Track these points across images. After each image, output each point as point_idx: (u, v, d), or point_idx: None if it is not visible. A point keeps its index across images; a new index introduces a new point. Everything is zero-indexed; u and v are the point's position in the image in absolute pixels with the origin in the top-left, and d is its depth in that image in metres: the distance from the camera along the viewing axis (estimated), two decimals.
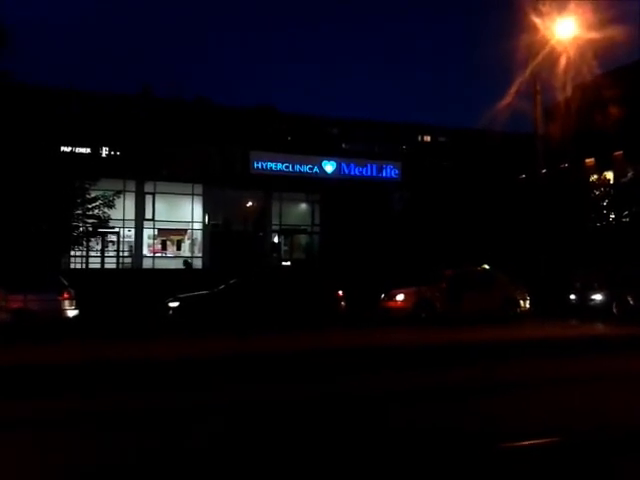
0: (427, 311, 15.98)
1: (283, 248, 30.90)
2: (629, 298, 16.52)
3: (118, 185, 23.32)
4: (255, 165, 28.33)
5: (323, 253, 28.34)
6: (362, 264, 22.00)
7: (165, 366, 9.25)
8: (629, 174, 23.95)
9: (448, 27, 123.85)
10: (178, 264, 26.86)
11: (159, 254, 27.62)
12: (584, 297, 17.22)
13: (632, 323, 14.74)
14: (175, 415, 6.39)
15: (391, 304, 16.51)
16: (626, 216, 22.31)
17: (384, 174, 30.70)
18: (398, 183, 30.10)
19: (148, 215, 27.29)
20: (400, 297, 16.39)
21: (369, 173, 30.39)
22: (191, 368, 9.20)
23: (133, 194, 26.85)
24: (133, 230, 27.04)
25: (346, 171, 29.99)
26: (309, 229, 30.95)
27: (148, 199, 27.36)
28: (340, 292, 15.66)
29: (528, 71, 20.31)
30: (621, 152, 28.61)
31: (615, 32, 19.09)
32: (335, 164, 29.85)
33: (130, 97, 28.97)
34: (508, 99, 20.79)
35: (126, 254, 26.84)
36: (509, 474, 4.59)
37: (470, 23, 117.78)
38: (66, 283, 14.73)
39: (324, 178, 29.24)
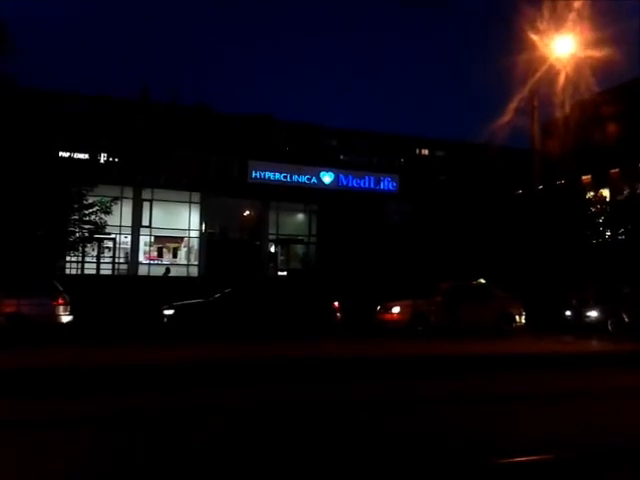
0: (422, 324, 15.97)
1: (279, 258, 30.87)
2: (624, 315, 16.55)
3: (115, 191, 23.32)
4: (253, 174, 28.40)
5: (319, 264, 28.33)
6: (358, 275, 21.99)
7: (157, 371, 9.20)
8: (625, 192, 24.12)
9: (448, 42, 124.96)
10: (174, 272, 26.79)
11: (155, 261, 27.55)
12: (579, 313, 17.25)
13: (627, 340, 14.75)
14: (168, 417, 6.34)
15: (387, 316, 16.49)
16: (622, 234, 22.42)
17: (382, 186, 30.82)
18: (395, 195, 30.22)
19: (145, 222, 27.25)
20: (396, 309, 16.37)
21: (367, 185, 30.50)
22: (183, 373, 9.16)
23: (130, 201, 26.83)
24: (129, 237, 26.99)
25: (344, 182, 30.09)
26: (306, 239, 30.96)
27: (145, 206, 27.34)
28: (336, 303, 15.64)
29: (527, 87, 20.50)
30: (617, 170, 28.84)
31: (613, 50, 19.32)
32: (333, 175, 29.95)
33: (129, 102, 29.01)
34: (506, 114, 20.97)
35: (122, 260, 26.76)
36: None
37: (470, 38, 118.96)
38: (61, 288, 14.65)
39: (322, 189, 29.32)
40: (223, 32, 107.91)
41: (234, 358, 10.53)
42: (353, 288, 18.85)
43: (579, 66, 20.07)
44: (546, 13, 19.94)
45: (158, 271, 26.32)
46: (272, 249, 30.51)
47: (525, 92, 20.63)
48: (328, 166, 30.25)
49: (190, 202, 28.34)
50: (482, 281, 17.80)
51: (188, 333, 14.08)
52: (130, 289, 20.25)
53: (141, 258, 27.24)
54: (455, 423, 6.39)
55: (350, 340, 14.28)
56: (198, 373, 9.22)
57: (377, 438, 5.74)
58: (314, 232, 30.60)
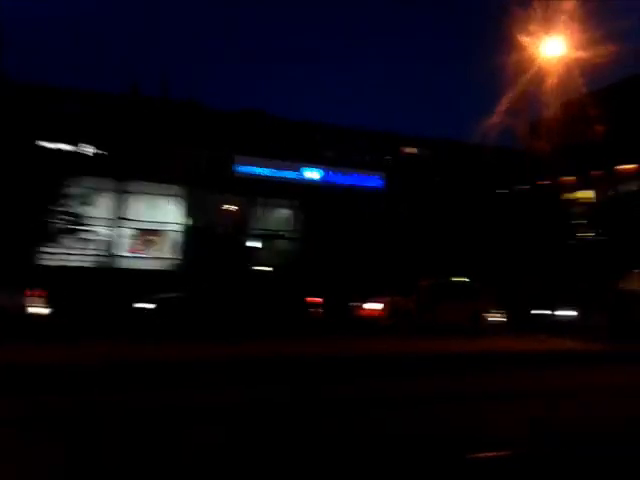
0: (402, 321, 15.99)
1: (263, 253, 30.71)
2: (597, 314, 16.74)
3: (97, 183, 23.06)
4: (239, 169, 28.21)
5: (304, 260, 28.25)
6: (343, 272, 21.99)
7: (132, 368, 9.07)
8: (607, 193, 24.36)
9: (438, 41, 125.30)
10: (156, 265, 26.58)
11: (136, 254, 27.27)
12: (554, 312, 17.45)
13: (599, 339, 14.91)
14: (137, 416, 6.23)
15: (366, 312, 16.53)
16: (602, 234, 22.63)
17: (368, 183, 30.79)
18: (381, 193, 30.20)
19: (126, 215, 26.96)
20: (375, 306, 16.40)
21: (352, 181, 30.46)
22: (153, 371, 9.03)
23: (112, 193, 26.53)
24: (111, 229, 26.68)
25: (330, 179, 30.01)
26: (290, 235, 30.84)
27: (127, 198, 27.04)
28: (318, 299, 15.60)
29: (516, 88, 20.61)
30: (601, 171, 29.10)
31: (601, 51, 19.44)
32: (319, 171, 29.86)
33: (114, 96, 28.65)
34: (495, 114, 21.07)
35: (102, 253, 26.44)
36: None
37: (462, 38, 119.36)
38: (39, 280, 14.45)
39: (308, 185, 29.21)
40: (213, 28, 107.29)
41: (213, 356, 10.43)
42: (337, 284, 18.86)
43: (568, 67, 20.20)
44: (536, 14, 20.04)
45: (139, 264, 26.12)
46: (256, 244, 30.35)
47: (515, 92, 20.75)
48: (315, 162, 30.16)
49: (173, 195, 28.07)
50: (462, 279, 17.89)
51: (168, 327, 13.95)
52: (110, 282, 20.05)
53: (122, 251, 26.95)
54: (435, 420, 6.38)
55: (329, 337, 14.25)
56: (174, 372, 9.08)
57: (346, 438, 5.69)
58: (299, 228, 30.48)
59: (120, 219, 26.84)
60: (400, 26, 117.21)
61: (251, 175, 28.34)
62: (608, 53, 19.43)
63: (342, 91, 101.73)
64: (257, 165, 28.54)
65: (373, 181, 30.93)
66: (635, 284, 20.26)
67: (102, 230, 26.43)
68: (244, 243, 29.24)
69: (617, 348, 13.24)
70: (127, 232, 27.29)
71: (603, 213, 22.60)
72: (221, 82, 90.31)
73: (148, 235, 28.03)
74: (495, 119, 21.24)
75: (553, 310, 17.53)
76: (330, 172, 30.18)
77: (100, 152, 26.03)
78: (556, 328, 16.61)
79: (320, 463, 4.89)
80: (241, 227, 29.38)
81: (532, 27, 19.96)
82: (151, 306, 14.60)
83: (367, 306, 16.53)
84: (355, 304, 16.93)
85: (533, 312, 17.69)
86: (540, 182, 25.48)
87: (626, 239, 20.79)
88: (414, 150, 38.99)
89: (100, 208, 25.06)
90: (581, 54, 19.72)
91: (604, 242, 21.92)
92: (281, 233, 30.84)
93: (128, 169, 25.59)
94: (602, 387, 8.51)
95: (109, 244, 26.60)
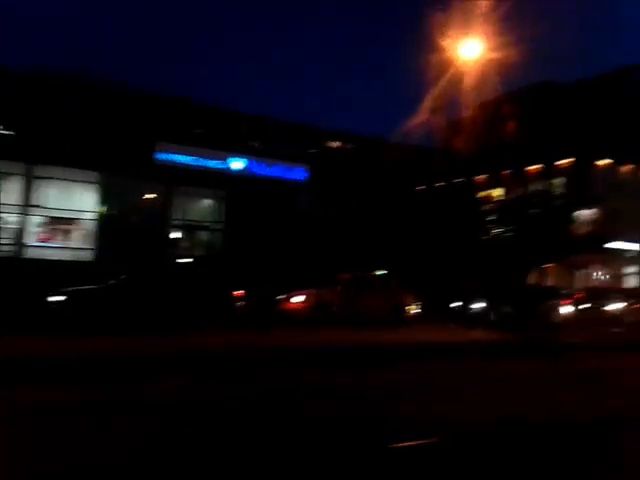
0: (324, 313, 16.24)
1: (184, 244, 29.96)
2: (505, 307, 17.86)
3: (5, 167, 21.54)
4: (159, 155, 27.26)
5: (225, 251, 27.86)
6: (265, 264, 21.92)
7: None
8: (515, 193, 25.95)
9: (362, 43, 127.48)
10: (68, 256, 25.23)
11: (46, 244, 25.69)
12: (466, 305, 18.40)
13: (507, 330, 15.92)
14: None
15: (290, 305, 16.64)
16: (509, 231, 24.10)
17: (292, 175, 30.80)
18: (305, 185, 30.32)
19: (35, 201, 25.31)
20: (298, 298, 16.56)
21: (277, 173, 30.34)
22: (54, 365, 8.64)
23: (20, 177, 24.81)
24: (17, 216, 24.96)
25: (254, 169, 29.72)
26: (212, 226, 30.28)
27: (37, 183, 25.38)
28: (240, 291, 15.45)
29: (436, 88, 21.36)
30: (508, 171, 30.92)
31: (515, 54, 20.53)
32: (243, 161, 29.48)
33: (25, 74, 26.71)
34: (416, 114, 21.76)
35: (7, 242, 24.69)
36: (397, 470, 4.75)
37: (386, 39, 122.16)
38: None
39: (231, 175, 28.77)
40: (147, 13, 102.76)
41: (122, 352, 10.10)
42: (259, 276, 18.77)
43: (485, 69, 21.17)
44: (455, 17, 20.82)
45: (50, 254, 24.68)
46: (176, 235, 29.54)
47: (434, 93, 21.51)
48: (239, 152, 29.72)
49: (87, 182, 26.65)
50: (380, 272, 18.46)
51: (79, 322, 13.31)
52: (17, 272, 18.84)
53: (29, 240, 25.31)
54: (355, 412, 6.53)
55: (246, 330, 14.19)
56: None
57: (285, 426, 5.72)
58: (221, 219, 29.99)
59: (29, 206, 25.16)
60: (325, 27, 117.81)
61: (173, 163, 27.49)
62: (520, 56, 20.56)
63: (271, 84, 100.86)
64: (180, 153, 27.72)
65: (297, 173, 30.98)
66: (537, 280, 21.75)
67: (9, 217, 24.72)
68: (164, 233, 28.37)
69: (520, 338, 14.14)
70: (37, 220, 25.65)
71: (511, 211, 24.02)
72: (146, 67, 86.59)
73: (60, 223, 26.49)
74: (416, 119, 21.96)
75: (466, 302, 18.42)
76: (255, 163, 29.89)
77: (8, 133, 24.26)
78: (466, 319, 17.53)
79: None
80: (161, 217, 28.47)
81: (451, 29, 20.73)
82: (61, 298, 13.88)
83: (290, 299, 16.61)
84: (278, 297, 16.96)
85: (448, 304, 18.52)
86: (455, 180, 26.66)
87: (531, 236, 22.26)
88: (338, 144, 39.49)
89: (8, 193, 23.47)
90: (496, 56, 20.71)
91: (512, 238, 23.34)
92: (205, 224, 30.24)
93: (39, 152, 24.00)
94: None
95: (17, 232, 24.89)
